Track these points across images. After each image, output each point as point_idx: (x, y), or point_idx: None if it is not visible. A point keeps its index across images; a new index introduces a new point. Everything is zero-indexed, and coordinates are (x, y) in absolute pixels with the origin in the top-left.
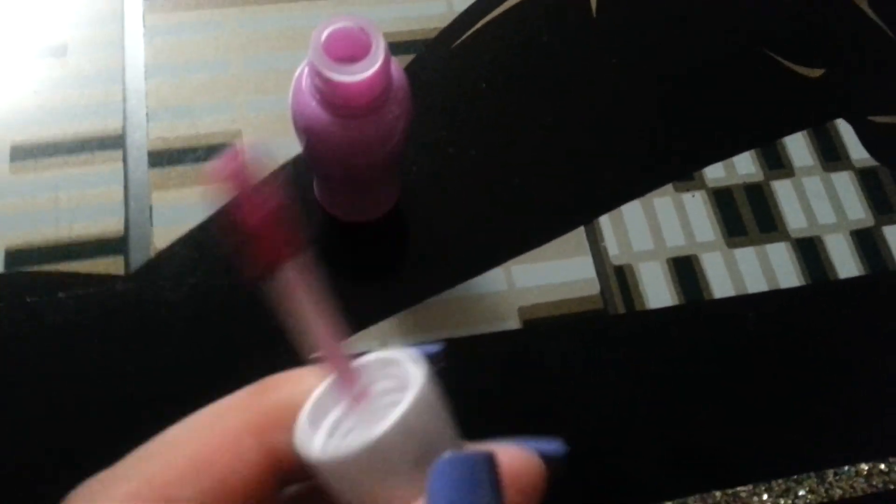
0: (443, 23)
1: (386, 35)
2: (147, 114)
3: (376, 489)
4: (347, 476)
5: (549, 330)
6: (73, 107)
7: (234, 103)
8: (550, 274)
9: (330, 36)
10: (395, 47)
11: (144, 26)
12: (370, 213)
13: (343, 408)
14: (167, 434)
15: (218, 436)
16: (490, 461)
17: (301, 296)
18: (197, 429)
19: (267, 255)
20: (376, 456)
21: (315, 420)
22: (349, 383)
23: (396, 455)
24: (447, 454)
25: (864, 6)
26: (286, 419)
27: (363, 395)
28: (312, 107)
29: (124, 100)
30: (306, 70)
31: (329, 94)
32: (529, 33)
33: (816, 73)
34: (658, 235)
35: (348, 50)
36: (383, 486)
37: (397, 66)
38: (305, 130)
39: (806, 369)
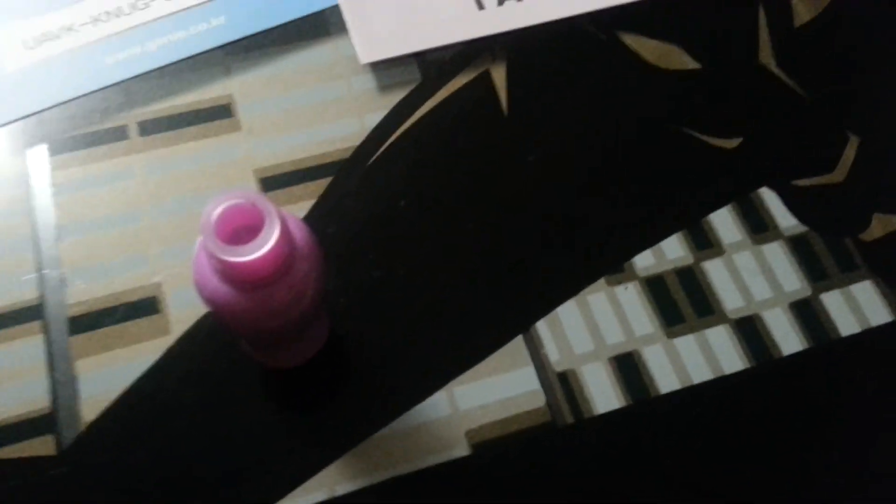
0: (356, 141)
1: (302, 160)
2: (62, 278)
3: None
4: None
5: (500, 452)
6: None
7: (150, 255)
8: (494, 391)
9: (222, 213)
10: (312, 171)
11: (52, 185)
12: (298, 360)
13: None
14: None
15: None
16: None
17: None
18: None
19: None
20: None
21: None
22: None
23: None
24: None
25: (773, 67)
26: None
27: None
28: (215, 282)
29: (39, 266)
30: (203, 244)
31: (227, 273)
32: (443, 140)
33: (734, 143)
34: (597, 334)
35: (244, 220)
36: None
37: (298, 223)
38: (210, 303)
39: (758, 453)
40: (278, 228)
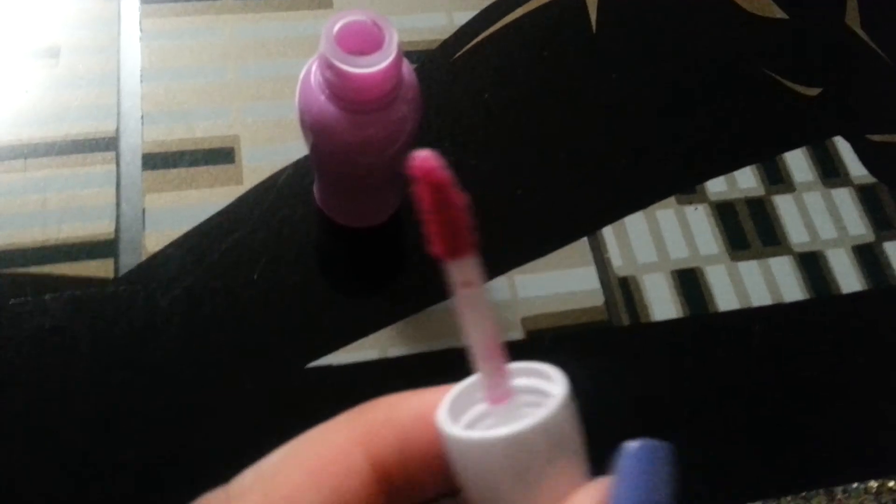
0: (444, 35)
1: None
2: (142, 117)
3: (506, 486)
4: (482, 464)
5: (553, 341)
6: (65, 108)
7: (230, 109)
8: (554, 284)
9: (342, 29)
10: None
11: (141, 30)
12: (371, 220)
13: (483, 406)
14: (276, 454)
15: (328, 450)
16: (672, 452)
17: (470, 292)
18: (306, 446)
19: (450, 243)
20: (517, 448)
21: (455, 413)
22: (500, 380)
23: (536, 453)
24: (637, 441)
25: (857, 28)
26: (390, 434)
27: (507, 395)
28: (321, 102)
29: (119, 102)
30: (314, 65)
31: (340, 87)
32: (530, 47)
33: (813, 91)
34: (662, 248)
35: (359, 45)
36: (514, 484)
37: (408, 66)
38: (312, 125)
39: (812, 385)
40: (396, 51)
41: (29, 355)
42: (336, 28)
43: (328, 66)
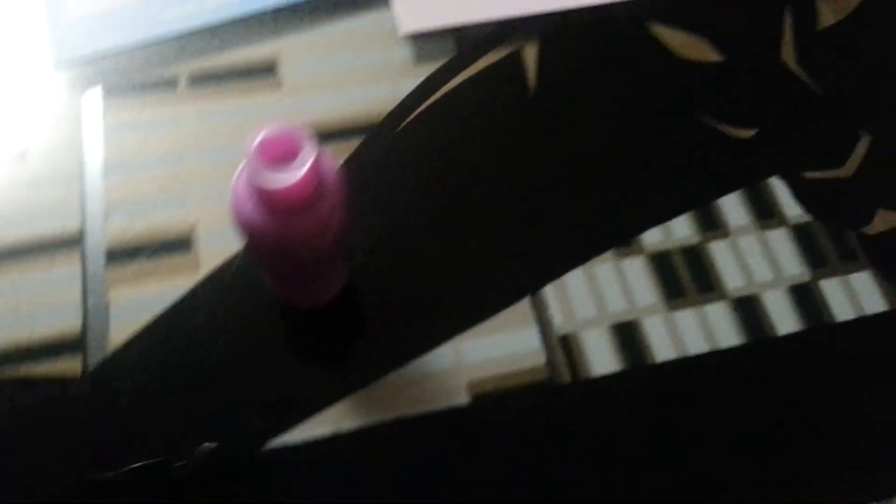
0: (389, 106)
1: (333, 121)
2: (105, 212)
3: None
4: None
5: (497, 404)
6: (33, 209)
7: (189, 197)
8: (498, 347)
9: (263, 142)
10: (344, 131)
11: (104, 125)
12: (318, 300)
13: None
14: None
15: None
16: None
17: None
18: None
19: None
20: None
21: None
22: None
23: None
24: None
25: (793, 64)
26: None
27: None
28: (250, 207)
29: (83, 200)
30: (244, 172)
31: (264, 197)
32: (471, 112)
33: (749, 133)
34: (600, 302)
35: (283, 150)
36: None
37: (329, 160)
38: (245, 229)
39: (750, 427)
40: (313, 158)
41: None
42: (256, 142)
43: (250, 178)
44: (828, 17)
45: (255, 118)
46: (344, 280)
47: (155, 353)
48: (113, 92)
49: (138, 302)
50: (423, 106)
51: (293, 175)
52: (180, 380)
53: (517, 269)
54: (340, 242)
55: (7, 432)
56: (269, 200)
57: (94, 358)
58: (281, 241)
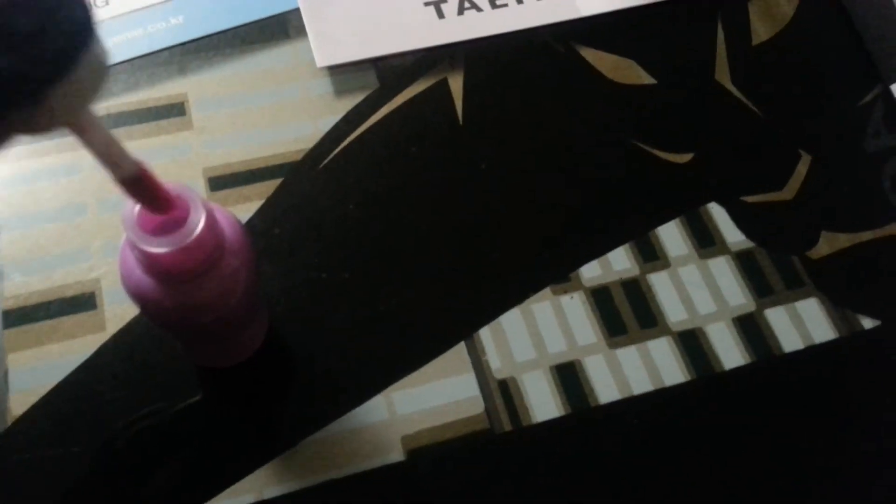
0: (309, 144)
1: (252, 160)
2: (0, 272)
3: None
4: None
5: (434, 458)
6: None
7: (90, 250)
8: (433, 396)
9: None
10: (262, 172)
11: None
12: (235, 359)
13: None
14: None
15: None
16: None
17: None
18: None
19: None
20: None
21: None
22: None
23: None
24: None
25: (728, 84)
26: None
27: None
28: (138, 274)
29: None
30: (128, 240)
31: (151, 265)
32: (396, 146)
33: (685, 158)
34: (539, 343)
35: (172, 213)
36: None
37: (228, 217)
38: (135, 298)
39: (696, 465)
40: (203, 220)
41: None
42: (138, 207)
43: (133, 246)
44: (761, 33)
45: (165, 162)
46: (263, 335)
47: (59, 422)
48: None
49: (39, 367)
50: (347, 141)
51: (179, 242)
52: (88, 451)
53: (450, 313)
54: (251, 303)
55: None
56: (156, 268)
57: None
58: (179, 310)
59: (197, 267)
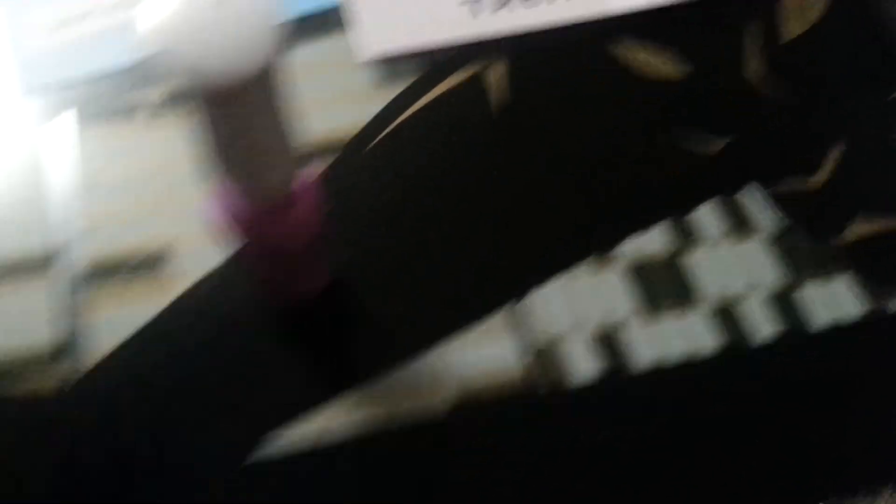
0: (351, 131)
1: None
2: (79, 234)
3: None
4: None
5: (477, 413)
6: (2, 232)
7: (161, 219)
8: (477, 358)
9: None
10: (303, 160)
11: (76, 149)
12: (302, 295)
13: None
14: None
15: None
16: None
17: None
18: None
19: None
20: None
21: None
22: None
23: None
24: None
25: (758, 78)
26: None
27: None
28: (226, 207)
29: (56, 222)
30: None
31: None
32: (434, 136)
33: (718, 147)
34: (579, 312)
35: None
36: None
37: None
38: (233, 220)
39: (729, 434)
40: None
41: None
42: None
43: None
44: (792, 29)
45: None
46: (325, 279)
47: (132, 368)
48: (84, 117)
49: (113, 321)
50: (388, 129)
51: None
52: (160, 392)
53: (495, 281)
54: (318, 242)
55: None
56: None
57: (69, 376)
58: (265, 236)
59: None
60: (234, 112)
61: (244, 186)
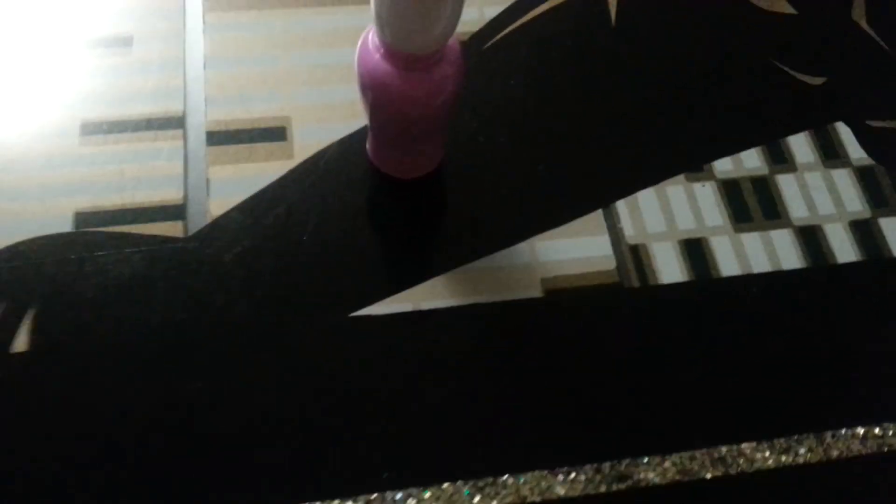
0: (475, 27)
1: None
2: (206, 99)
3: None
4: None
5: (569, 299)
6: (138, 91)
7: (283, 93)
8: (571, 250)
9: None
10: None
11: (204, 22)
12: (417, 171)
13: None
14: None
15: None
16: None
17: None
18: None
19: None
20: None
21: None
22: None
23: None
24: None
25: (863, 23)
26: None
27: None
28: (376, 59)
29: (185, 86)
30: (371, 31)
31: (391, 51)
32: (553, 40)
33: (818, 80)
34: (670, 219)
35: None
36: None
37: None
38: (370, 80)
39: (806, 342)
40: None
41: (114, 299)
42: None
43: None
44: None
45: (348, 28)
46: (439, 159)
47: (251, 225)
48: None
49: (236, 180)
50: (508, 29)
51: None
52: (274, 248)
53: (593, 182)
54: (447, 112)
55: (119, 279)
56: (395, 55)
57: (195, 224)
58: (401, 95)
59: (427, 56)
60: None
61: (410, 25)
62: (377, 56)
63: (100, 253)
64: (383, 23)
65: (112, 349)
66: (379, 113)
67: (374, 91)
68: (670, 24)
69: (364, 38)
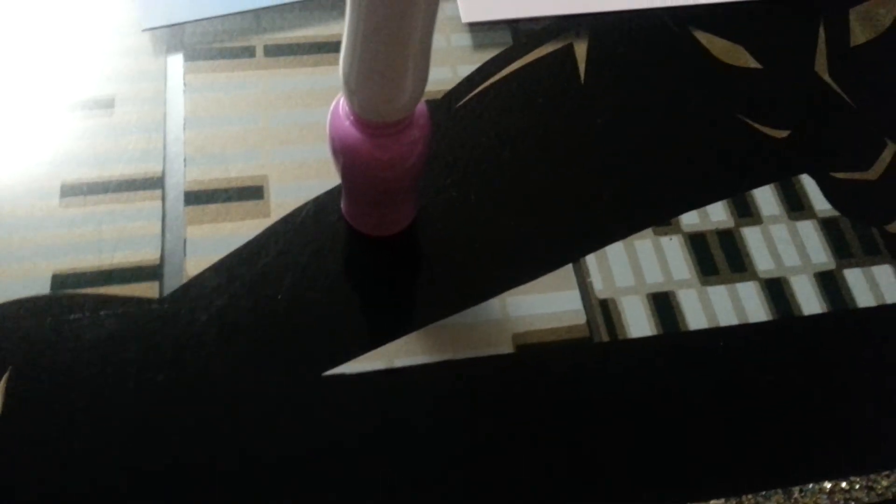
0: (448, 86)
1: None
2: (185, 159)
3: None
4: None
5: (540, 355)
6: (119, 152)
7: (261, 152)
8: (542, 305)
9: None
10: None
11: (185, 84)
12: (391, 229)
13: None
14: None
15: None
16: None
17: None
18: None
19: None
20: None
21: None
22: None
23: None
24: None
25: (825, 76)
26: None
27: None
28: (346, 126)
29: (164, 147)
30: (341, 99)
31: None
32: (524, 96)
33: (783, 133)
34: (639, 273)
35: None
36: None
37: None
38: (341, 145)
39: (773, 396)
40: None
41: (87, 362)
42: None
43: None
44: (859, 36)
45: (324, 88)
46: (411, 218)
47: (227, 284)
48: (195, 56)
49: (213, 240)
50: (481, 87)
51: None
52: (250, 307)
53: (562, 237)
54: (417, 174)
55: (94, 342)
56: (364, 122)
57: (171, 285)
58: (371, 160)
59: (395, 124)
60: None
61: (377, 96)
62: (347, 122)
63: (74, 316)
64: (352, 92)
65: (86, 412)
66: (350, 175)
67: (345, 155)
68: (637, 79)
69: (335, 105)
